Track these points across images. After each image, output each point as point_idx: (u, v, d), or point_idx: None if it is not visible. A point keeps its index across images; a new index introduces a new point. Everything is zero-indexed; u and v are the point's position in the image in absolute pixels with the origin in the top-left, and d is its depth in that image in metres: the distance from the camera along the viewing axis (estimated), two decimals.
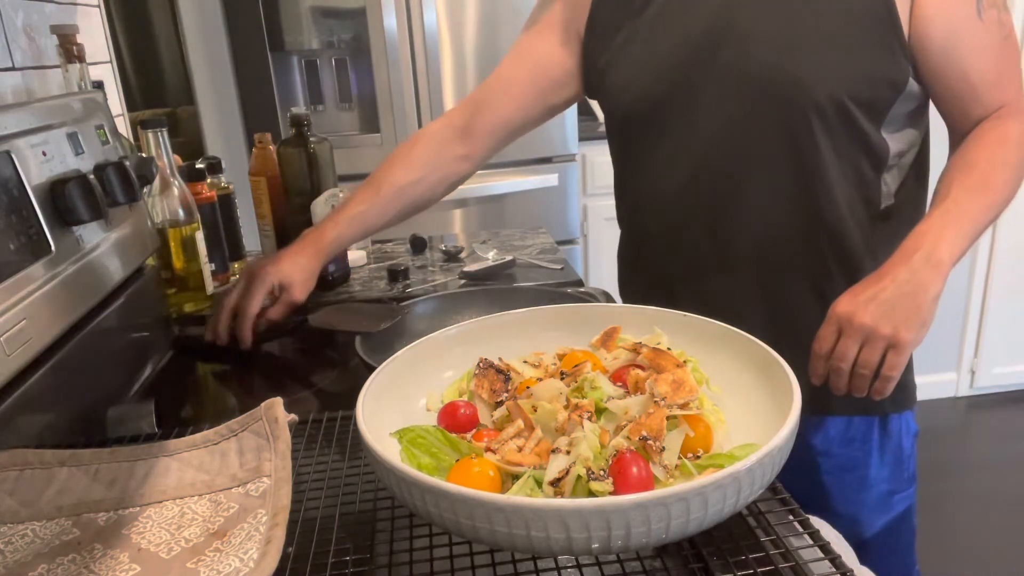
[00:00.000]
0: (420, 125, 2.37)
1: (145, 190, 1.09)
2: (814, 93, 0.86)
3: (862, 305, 0.79)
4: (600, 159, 2.63)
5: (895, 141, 0.91)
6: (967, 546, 2.18)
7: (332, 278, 1.34)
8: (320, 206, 1.29)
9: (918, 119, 0.93)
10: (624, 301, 1.13)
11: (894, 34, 0.84)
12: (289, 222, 1.34)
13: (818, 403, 0.88)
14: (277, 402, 0.65)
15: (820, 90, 0.85)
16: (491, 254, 1.45)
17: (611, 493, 0.49)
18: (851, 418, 0.96)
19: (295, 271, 1.04)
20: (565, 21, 1.06)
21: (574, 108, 2.43)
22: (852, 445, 0.97)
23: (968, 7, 0.85)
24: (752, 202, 0.93)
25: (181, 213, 1.18)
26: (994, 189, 0.84)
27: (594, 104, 2.90)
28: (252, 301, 1.02)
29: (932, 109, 0.94)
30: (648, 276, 1.08)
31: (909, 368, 0.97)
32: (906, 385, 0.98)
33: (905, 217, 0.93)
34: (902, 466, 0.99)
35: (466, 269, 1.37)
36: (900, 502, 1.00)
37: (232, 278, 1.41)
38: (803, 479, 0.79)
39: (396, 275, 1.36)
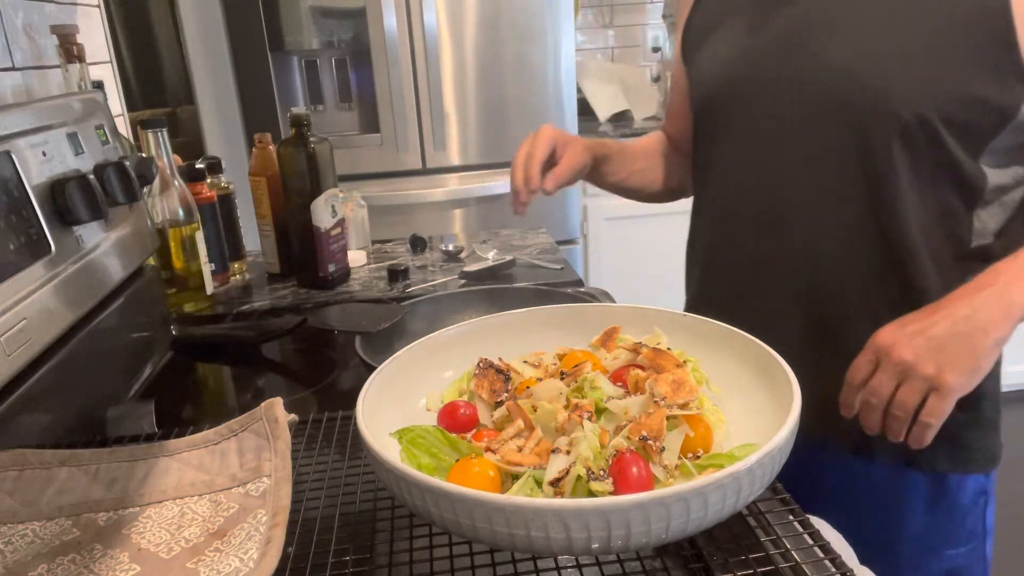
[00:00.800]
0: (420, 125, 2.37)
1: (145, 190, 1.09)
2: (897, 106, 0.75)
3: (906, 337, 0.70)
4: None
5: (997, 175, 0.79)
6: None
7: (332, 278, 1.34)
8: (320, 206, 1.29)
9: None
10: (686, 294, 1.08)
11: (1008, 56, 0.73)
12: (289, 222, 1.34)
13: (862, 447, 0.82)
14: (277, 402, 0.65)
15: (905, 104, 0.75)
16: (491, 254, 1.45)
17: (611, 493, 0.49)
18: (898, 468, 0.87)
19: (573, 136, 1.02)
20: (681, 22, 1.02)
21: (574, 108, 2.43)
22: (896, 489, 0.88)
23: None
24: (808, 218, 0.84)
25: (181, 213, 1.18)
26: None
27: (594, 104, 2.90)
28: (540, 145, 0.97)
29: None
30: (699, 274, 1.03)
31: (992, 429, 0.88)
32: (974, 447, 0.86)
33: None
34: (957, 522, 0.89)
35: (466, 269, 1.37)
36: (953, 558, 0.90)
37: (232, 278, 1.41)
38: (842, 512, 0.71)
39: (396, 275, 1.37)
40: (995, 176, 0.79)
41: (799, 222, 0.85)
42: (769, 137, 0.86)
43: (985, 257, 0.80)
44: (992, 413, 0.87)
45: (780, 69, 0.83)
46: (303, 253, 1.33)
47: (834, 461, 0.89)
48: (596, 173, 1.07)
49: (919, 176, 0.78)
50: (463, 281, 1.35)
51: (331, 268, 1.33)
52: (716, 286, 0.98)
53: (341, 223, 1.35)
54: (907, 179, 0.78)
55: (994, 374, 0.83)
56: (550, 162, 0.98)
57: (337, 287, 1.35)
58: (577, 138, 1.02)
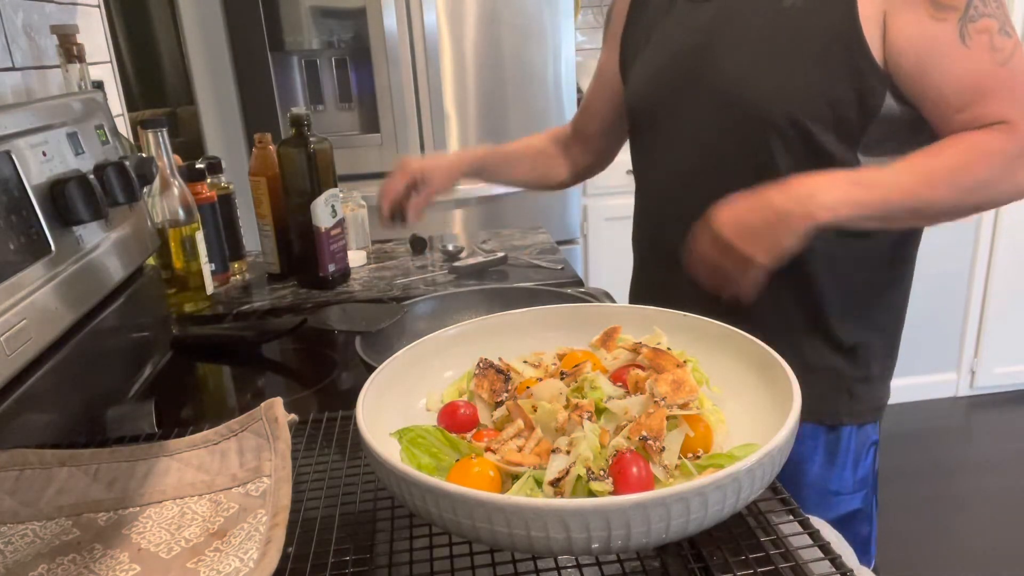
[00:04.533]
0: (420, 125, 2.37)
1: (145, 190, 1.09)
2: (772, 114, 0.87)
3: (732, 222, 0.84)
4: None
5: (872, 163, 0.89)
6: (967, 546, 2.18)
7: (332, 278, 1.34)
8: (320, 206, 1.29)
9: (905, 141, 0.88)
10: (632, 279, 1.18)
11: (863, 59, 0.84)
12: (289, 222, 1.34)
13: None
14: (277, 402, 0.65)
15: (778, 111, 0.87)
16: (490, 253, 1.45)
17: (611, 493, 0.49)
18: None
19: (435, 164, 1.15)
20: (615, 34, 1.13)
21: (574, 109, 2.43)
22: (799, 440, 0.96)
23: (947, 34, 0.81)
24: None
25: (181, 213, 1.18)
26: (932, 185, 0.81)
27: None
28: (390, 182, 1.13)
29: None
30: (636, 265, 1.16)
31: (879, 383, 1.00)
32: (864, 399, 0.98)
33: (882, 237, 0.92)
34: (849, 469, 0.99)
35: (456, 264, 1.37)
36: (844, 504, 1.00)
37: (232, 278, 1.41)
38: None
39: (417, 243, 1.48)
40: (870, 164, 0.89)
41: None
42: (685, 143, 0.98)
43: (861, 233, 0.90)
44: (881, 371, 1.00)
45: (687, 88, 0.96)
46: (303, 253, 1.33)
47: None
48: (479, 178, 1.24)
49: (799, 169, 0.86)
50: (452, 276, 1.35)
51: (331, 268, 1.33)
52: (649, 276, 1.12)
53: (341, 223, 1.35)
54: (788, 173, 0.87)
55: (886, 336, 0.99)
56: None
57: (337, 287, 1.35)
58: (441, 164, 1.16)
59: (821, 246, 0.89)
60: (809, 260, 0.90)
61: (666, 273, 1.03)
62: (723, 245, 0.83)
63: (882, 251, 0.90)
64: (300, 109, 1.30)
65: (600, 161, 1.26)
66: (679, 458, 0.53)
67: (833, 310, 0.94)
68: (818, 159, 0.88)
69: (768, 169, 0.89)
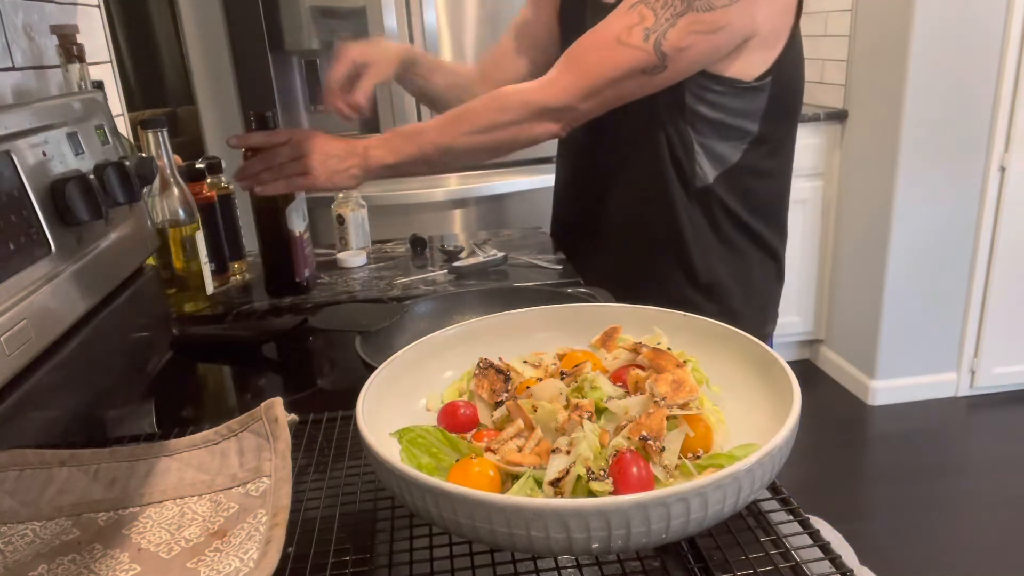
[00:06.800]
0: None
1: (145, 190, 1.09)
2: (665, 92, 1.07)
3: (318, 138, 1.05)
4: None
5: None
6: (967, 546, 2.18)
7: (307, 283, 1.32)
8: (294, 210, 1.27)
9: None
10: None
11: None
12: (261, 228, 1.32)
13: None
14: (277, 402, 0.65)
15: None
16: (490, 253, 1.45)
17: (611, 493, 0.49)
18: None
19: (375, 52, 1.18)
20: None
21: None
22: None
23: (614, 30, 0.98)
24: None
25: (181, 213, 1.18)
26: (453, 127, 1.01)
27: None
28: (332, 73, 1.16)
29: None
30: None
31: (750, 322, 1.13)
32: None
33: (718, 196, 1.07)
34: None
35: (456, 264, 1.37)
36: None
37: (232, 278, 1.41)
38: None
39: (417, 242, 1.51)
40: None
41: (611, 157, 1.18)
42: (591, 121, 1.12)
43: (710, 198, 1.09)
44: (748, 312, 1.14)
45: None
46: (276, 259, 1.31)
47: None
48: (407, 75, 1.27)
49: (696, 143, 1.06)
50: (452, 276, 1.35)
51: (306, 273, 1.32)
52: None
53: (308, 227, 1.33)
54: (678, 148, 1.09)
55: (739, 279, 1.13)
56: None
57: (310, 292, 1.33)
58: (379, 51, 1.19)
59: (685, 206, 1.07)
60: (679, 212, 1.08)
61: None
62: (300, 151, 1.01)
63: (731, 213, 1.07)
64: (262, 110, 1.27)
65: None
66: (679, 458, 0.53)
67: (694, 251, 1.10)
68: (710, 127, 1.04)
69: (656, 143, 1.03)
